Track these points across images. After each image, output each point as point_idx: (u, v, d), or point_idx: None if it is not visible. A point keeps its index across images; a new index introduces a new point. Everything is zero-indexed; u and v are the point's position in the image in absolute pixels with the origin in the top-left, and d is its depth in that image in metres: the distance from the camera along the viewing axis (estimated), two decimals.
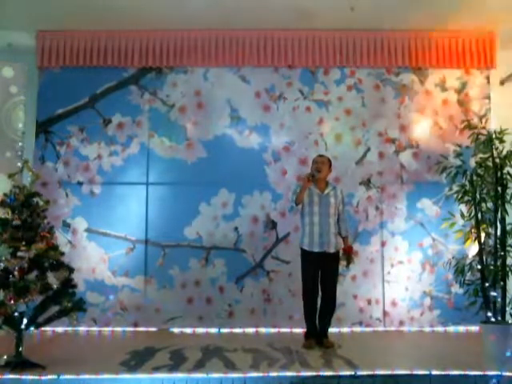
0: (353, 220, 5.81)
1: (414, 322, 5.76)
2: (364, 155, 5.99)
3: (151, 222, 5.85)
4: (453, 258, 4.44)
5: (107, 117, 5.97)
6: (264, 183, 5.91)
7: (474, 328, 5.32)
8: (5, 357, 3.83)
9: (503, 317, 4.07)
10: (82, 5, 5.33)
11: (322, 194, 4.74)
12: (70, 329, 5.40)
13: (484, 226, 4.25)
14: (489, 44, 6.01)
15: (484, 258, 4.18)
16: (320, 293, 4.71)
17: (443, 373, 3.63)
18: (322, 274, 4.69)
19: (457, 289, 5.11)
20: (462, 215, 4.37)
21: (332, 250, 4.67)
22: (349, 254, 4.83)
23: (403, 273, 5.84)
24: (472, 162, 4.49)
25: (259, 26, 5.87)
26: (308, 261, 4.69)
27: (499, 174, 4.19)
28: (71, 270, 4.09)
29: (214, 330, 5.62)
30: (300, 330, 4.96)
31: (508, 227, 4.18)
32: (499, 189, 4.19)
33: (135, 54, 5.94)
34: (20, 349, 3.85)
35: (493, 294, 4.09)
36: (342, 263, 4.81)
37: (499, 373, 3.62)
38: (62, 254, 4.12)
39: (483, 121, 5.93)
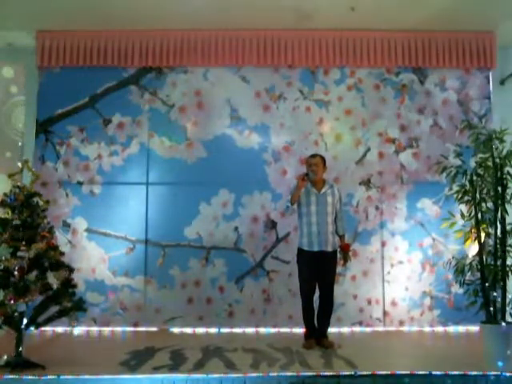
0: (353, 220, 5.82)
1: (413, 321, 5.76)
2: (364, 155, 5.99)
3: (151, 222, 5.85)
4: (453, 258, 4.43)
5: (107, 117, 5.97)
6: (264, 183, 5.91)
7: (474, 328, 5.32)
8: (5, 357, 3.83)
9: (503, 317, 4.06)
10: (82, 5, 5.33)
11: (319, 193, 4.74)
12: (69, 329, 5.40)
13: (484, 225, 4.25)
14: (489, 44, 6.01)
15: (484, 257, 4.18)
16: (318, 292, 4.71)
17: (443, 373, 3.63)
18: (319, 273, 4.69)
19: (457, 289, 5.11)
20: (462, 215, 4.36)
21: (330, 249, 4.68)
22: (346, 252, 4.84)
23: (403, 273, 5.84)
24: (472, 162, 4.48)
25: (259, 26, 5.86)
26: (306, 261, 4.69)
27: (499, 174, 4.18)
28: (71, 269, 4.09)
29: (213, 330, 5.62)
30: (300, 330, 4.95)
31: (508, 227, 4.18)
32: (499, 189, 4.18)
33: (135, 54, 5.94)
34: (20, 349, 3.85)
35: (493, 293, 4.09)
36: (340, 261, 4.81)
37: (499, 373, 3.61)
38: (62, 253, 4.13)
39: (483, 121, 5.96)
